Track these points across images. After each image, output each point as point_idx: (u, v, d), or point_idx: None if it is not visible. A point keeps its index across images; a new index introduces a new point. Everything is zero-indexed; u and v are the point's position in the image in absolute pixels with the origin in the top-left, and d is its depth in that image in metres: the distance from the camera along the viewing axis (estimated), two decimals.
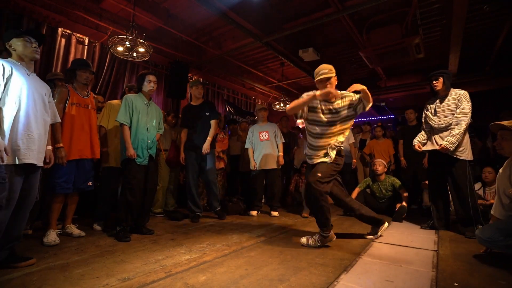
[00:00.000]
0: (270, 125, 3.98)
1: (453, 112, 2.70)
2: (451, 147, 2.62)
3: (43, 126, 1.85)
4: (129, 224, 2.50)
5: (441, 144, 2.68)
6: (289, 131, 5.00)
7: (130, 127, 2.54)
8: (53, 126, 2.08)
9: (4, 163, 1.58)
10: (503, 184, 1.99)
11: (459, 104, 2.67)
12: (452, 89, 2.80)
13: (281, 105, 6.13)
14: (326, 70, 2.23)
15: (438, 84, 2.78)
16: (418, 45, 4.18)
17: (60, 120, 2.14)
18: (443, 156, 2.73)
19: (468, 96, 2.69)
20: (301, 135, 5.88)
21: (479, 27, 4.41)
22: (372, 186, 3.96)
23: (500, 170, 2.04)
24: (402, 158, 4.42)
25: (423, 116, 2.99)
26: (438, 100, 2.84)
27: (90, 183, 2.53)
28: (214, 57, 5.14)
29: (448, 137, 2.66)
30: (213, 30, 4.61)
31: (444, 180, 2.87)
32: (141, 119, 2.60)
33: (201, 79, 5.92)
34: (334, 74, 2.25)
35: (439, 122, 2.78)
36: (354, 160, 4.74)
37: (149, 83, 2.67)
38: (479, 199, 3.45)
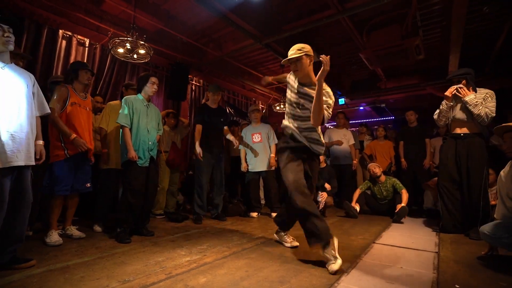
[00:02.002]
0: (263, 126, 3.98)
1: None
2: (466, 96, 2.63)
3: (29, 123, 1.75)
4: (130, 225, 2.49)
5: (462, 88, 2.68)
6: None
7: (130, 129, 2.54)
8: (56, 123, 2.03)
9: None
10: (506, 187, 1.95)
11: (484, 102, 2.65)
12: (478, 89, 2.76)
13: (281, 106, 6.13)
14: (293, 50, 1.97)
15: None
16: (418, 47, 4.19)
17: (49, 111, 2.02)
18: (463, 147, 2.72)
19: (495, 96, 2.68)
20: None
21: (479, 28, 4.41)
22: (372, 188, 3.95)
23: (502, 173, 2.01)
24: (403, 159, 4.42)
25: (442, 108, 2.88)
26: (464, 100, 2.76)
27: (88, 185, 2.53)
28: (215, 58, 5.15)
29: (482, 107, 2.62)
30: (214, 31, 4.62)
31: (458, 177, 2.81)
32: (142, 121, 2.60)
33: (201, 80, 5.93)
34: (303, 53, 1.94)
35: (461, 116, 2.74)
36: (355, 162, 4.74)
37: (153, 85, 2.68)
38: None
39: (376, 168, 3.85)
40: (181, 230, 2.89)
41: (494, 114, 2.61)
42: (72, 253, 2.04)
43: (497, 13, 3.97)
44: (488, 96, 2.67)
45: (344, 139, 4.70)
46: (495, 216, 2.08)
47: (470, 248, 2.27)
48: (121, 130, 2.55)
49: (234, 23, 3.84)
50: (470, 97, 2.66)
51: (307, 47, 1.99)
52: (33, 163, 1.80)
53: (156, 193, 2.93)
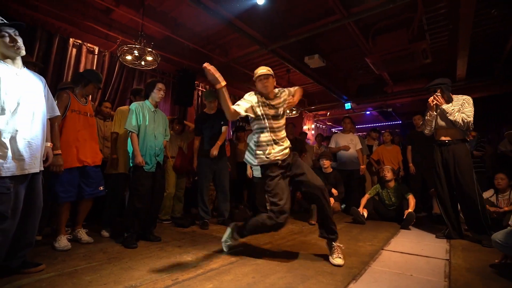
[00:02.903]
0: None
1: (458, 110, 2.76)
2: (443, 105, 2.72)
3: (42, 128, 1.78)
4: (137, 230, 2.51)
5: (438, 96, 2.77)
6: (295, 137, 4.98)
7: (138, 135, 2.57)
8: (52, 127, 1.98)
9: (10, 174, 1.55)
10: None
11: (461, 108, 2.72)
12: (455, 96, 2.83)
13: (287, 111, 6.14)
14: (264, 69, 2.31)
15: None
16: (425, 50, 4.16)
17: (58, 114, 2.01)
18: (448, 156, 2.76)
19: (472, 101, 2.74)
20: (308, 140, 5.90)
21: (487, 31, 4.36)
22: (381, 193, 3.90)
23: None
24: (411, 164, 4.36)
25: (427, 118, 2.97)
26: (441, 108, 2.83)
27: (101, 188, 2.55)
28: (221, 64, 5.20)
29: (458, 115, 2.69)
30: (220, 38, 4.68)
31: (451, 186, 2.82)
32: (149, 127, 2.63)
33: (207, 86, 5.99)
34: (271, 73, 2.31)
35: (444, 123, 2.82)
36: (362, 167, 4.69)
37: (159, 91, 2.70)
38: (492, 206, 3.36)
39: (389, 172, 3.79)
40: (188, 235, 2.89)
41: (471, 119, 2.67)
42: (80, 258, 2.06)
43: (506, 16, 3.92)
44: (465, 101, 2.75)
45: (351, 144, 4.65)
46: (509, 222, 2.03)
47: (483, 256, 2.21)
48: (129, 135, 2.59)
49: (240, 30, 3.88)
50: (446, 105, 2.75)
51: (271, 70, 2.34)
52: (42, 168, 1.82)
53: (162, 198, 2.94)
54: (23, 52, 1.68)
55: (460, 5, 3.27)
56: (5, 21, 1.62)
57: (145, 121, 2.61)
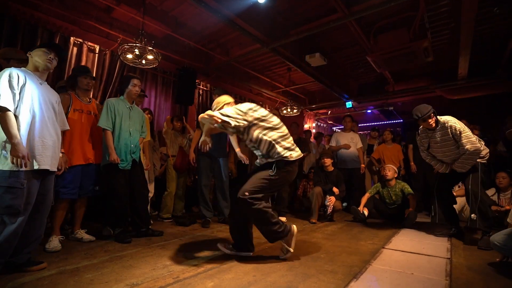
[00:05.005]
0: None
1: (451, 140, 2.58)
2: (468, 167, 2.55)
3: (56, 133, 1.91)
4: (126, 226, 2.51)
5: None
6: (299, 137, 4.97)
7: (113, 132, 2.53)
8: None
9: (25, 169, 1.67)
10: None
11: (457, 135, 2.52)
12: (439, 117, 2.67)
13: (288, 110, 6.14)
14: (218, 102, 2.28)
15: (432, 122, 2.63)
16: (426, 49, 4.14)
17: (68, 128, 2.16)
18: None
19: (458, 123, 2.55)
20: (314, 140, 5.91)
21: (489, 29, 4.34)
22: (381, 191, 3.89)
23: None
24: (412, 163, 4.35)
25: (420, 144, 2.90)
26: (431, 133, 2.72)
27: (97, 188, 2.56)
28: (222, 63, 5.20)
29: (463, 162, 2.56)
30: (221, 36, 4.67)
31: (450, 185, 2.83)
32: (124, 123, 2.58)
33: (208, 85, 5.98)
34: (222, 104, 2.24)
35: (446, 155, 2.69)
36: (363, 165, 4.68)
37: (134, 87, 2.65)
38: (493, 205, 3.36)
39: (390, 171, 3.76)
40: (189, 234, 2.89)
41: (476, 143, 2.49)
42: (81, 256, 2.07)
43: (508, 14, 3.89)
44: (452, 128, 2.53)
45: (351, 142, 4.65)
46: (508, 220, 2.03)
47: (484, 255, 2.21)
48: (103, 133, 2.54)
49: (241, 28, 3.87)
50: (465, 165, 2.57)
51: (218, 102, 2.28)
52: (56, 170, 1.93)
53: (146, 195, 2.89)
54: (50, 67, 1.94)
55: (462, 3, 3.25)
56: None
57: (119, 118, 2.56)
